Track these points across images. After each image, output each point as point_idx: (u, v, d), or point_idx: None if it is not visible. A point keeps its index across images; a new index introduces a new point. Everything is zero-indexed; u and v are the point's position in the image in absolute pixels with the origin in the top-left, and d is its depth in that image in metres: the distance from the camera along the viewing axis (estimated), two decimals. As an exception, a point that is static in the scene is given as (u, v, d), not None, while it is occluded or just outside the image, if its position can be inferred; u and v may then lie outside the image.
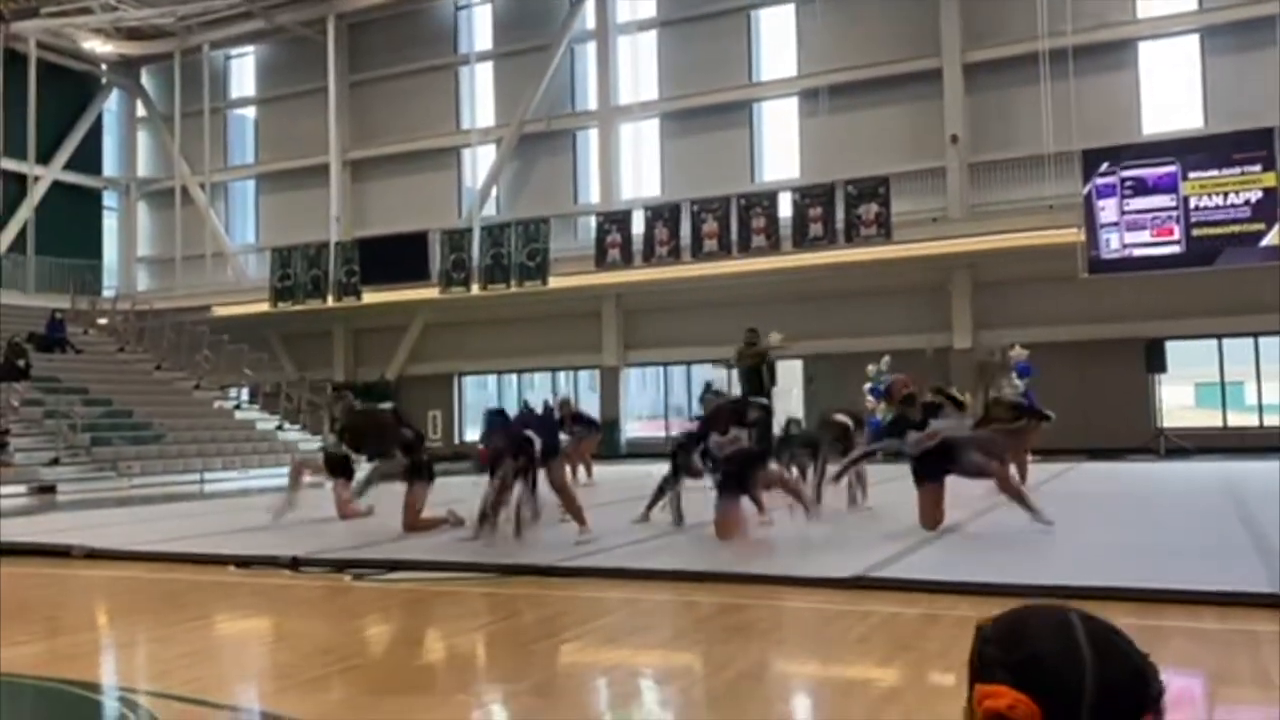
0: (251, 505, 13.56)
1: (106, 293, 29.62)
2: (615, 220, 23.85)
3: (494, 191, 27.04)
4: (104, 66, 30.88)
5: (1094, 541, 7.43)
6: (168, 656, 5.04)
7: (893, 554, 6.94)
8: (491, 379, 28.04)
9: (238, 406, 24.60)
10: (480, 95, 27.42)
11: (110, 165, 32.31)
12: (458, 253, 25.05)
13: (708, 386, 9.99)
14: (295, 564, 7.62)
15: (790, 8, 24.42)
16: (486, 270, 24.67)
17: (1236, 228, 18.63)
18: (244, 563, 7.83)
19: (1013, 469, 11.09)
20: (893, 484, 10.25)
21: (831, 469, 9.37)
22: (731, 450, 8.18)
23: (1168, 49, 21.36)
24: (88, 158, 30.80)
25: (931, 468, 8.17)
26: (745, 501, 8.14)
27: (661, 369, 25.98)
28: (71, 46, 28.84)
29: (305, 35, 28.42)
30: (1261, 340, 20.20)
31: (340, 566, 7.49)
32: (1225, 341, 20.54)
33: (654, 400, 26.63)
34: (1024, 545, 7.23)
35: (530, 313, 25.67)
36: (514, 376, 27.47)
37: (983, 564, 6.37)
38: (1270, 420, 20.26)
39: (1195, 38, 21.06)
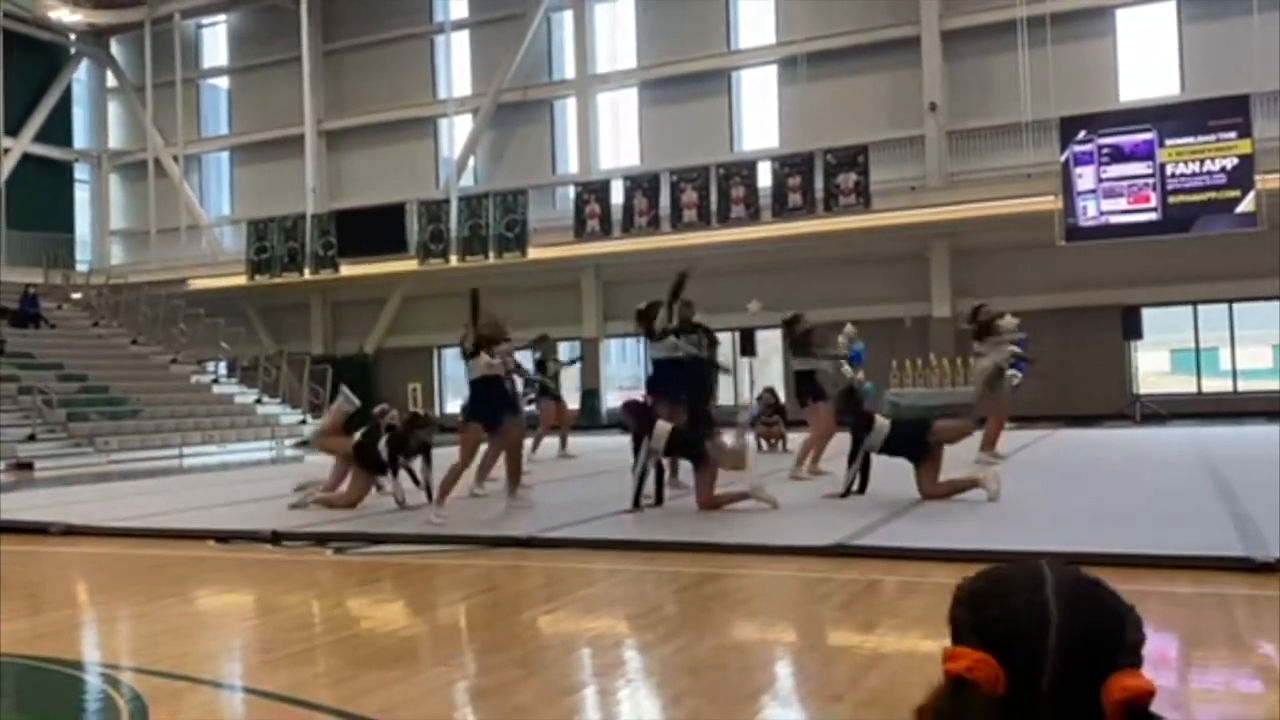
0: (230, 480, 13.52)
1: (80, 267, 29.28)
2: (594, 190, 23.75)
3: (471, 162, 26.83)
4: (72, 36, 30.35)
5: (1071, 507, 7.51)
6: (149, 632, 5.03)
7: (873, 522, 6.99)
8: (471, 351, 27.95)
9: (215, 381, 24.45)
10: (456, 64, 27.14)
11: (81, 137, 31.83)
12: (435, 224, 24.89)
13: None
14: (276, 538, 7.61)
15: (768, -25, 24.24)
16: (464, 242, 24.53)
17: (1212, 194, 18.73)
18: (224, 538, 7.80)
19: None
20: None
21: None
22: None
23: (1145, 16, 21.36)
24: (58, 130, 30.32)
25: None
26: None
27: (641, 340, 25.92)
28: (38, 16, 28.31)
29: (278, 4, 28.00)
30: (1236, 306, 20.39)
31: (321, 540, 7.48)
32: (1200, 308, 20.71)
33: (634, 371, 26.64)
34: (1002, 512, 7.30)
35: (509, 284, 25.51)
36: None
37: (961, 531, 6.43)
38: (1244, 386, 20.49)
39: (1172, 5, 21.05)
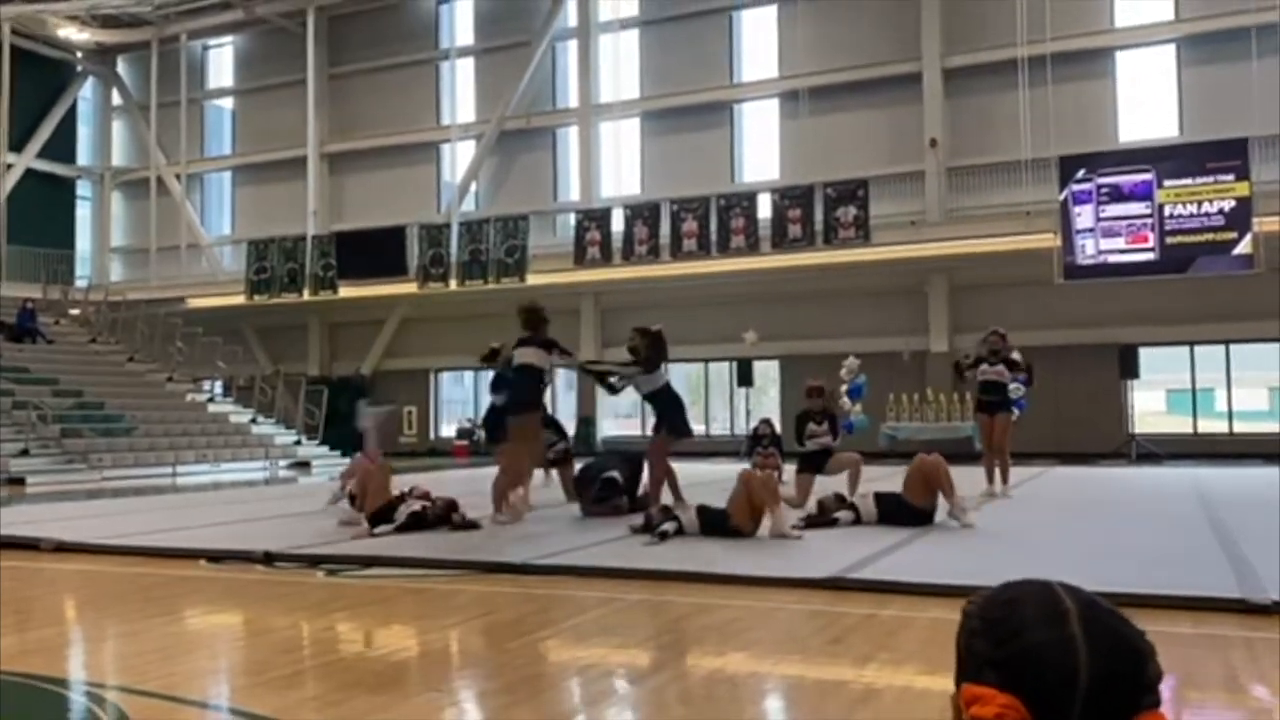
0: (223, 499, 13.46)
1: (79, 283, 29.29)
2: (594, 218, 23.83)
3: (473, 187, 26.95)
4: (79, 54, 30.54)
5: (1068, 545, 7.48)
6: (137, 651, 4.98)
7: (871, 554, 6.96)
8: (469, 375, 27.94)
9: (211, 399, 24.40)
10: (461, 90, 27.32)
11: (85, 154, 31.96)
12: (436, 248, 24.95)
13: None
14: (268, 559, 7.56)
15: (772, 9, 24.48)
16: (464, 266, 24.57)
17: (1210, 236, 18.82)
18: (215, 557, 7.75)
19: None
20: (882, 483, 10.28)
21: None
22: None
23: (1145, 58, 21.58)
24: (62, 146, 30.45)
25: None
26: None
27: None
28: (46, 33, 28.49)
29: (285, 27, 28.21)
30: (1233, 348, 20.44)
31: (314, 562, 7.44)
32: (1197, 349, 20.76)
33: (631, 399, 26.60)
34: (999, 548, 7.27)
35: (508, 309, 25.45)
36: (491, 373, 27.34)
37: (957, 567, 6.40)
38: (1240, 427, 20.50)
39: (1172, 48, 21.27)
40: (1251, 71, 19.66)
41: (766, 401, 24.25)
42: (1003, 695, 0.96)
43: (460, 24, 27.78)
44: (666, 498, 9.30)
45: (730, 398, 24.64)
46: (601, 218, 23.74)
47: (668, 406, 9.66)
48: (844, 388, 18.07)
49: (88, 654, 5.26)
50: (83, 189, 31.93)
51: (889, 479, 10.36)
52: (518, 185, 26.59)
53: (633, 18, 25.61)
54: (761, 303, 22.10)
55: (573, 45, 26.31)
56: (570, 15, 26.24)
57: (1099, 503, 10.92)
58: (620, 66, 25.66)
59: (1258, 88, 19.52)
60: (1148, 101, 21.33)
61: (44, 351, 23.10)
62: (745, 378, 22.83)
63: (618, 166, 25.81)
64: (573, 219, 24.39)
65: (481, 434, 14.33)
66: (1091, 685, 0.95)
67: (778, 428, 15.40)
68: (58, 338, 24.44)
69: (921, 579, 6.00)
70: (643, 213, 23.27)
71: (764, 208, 22.10)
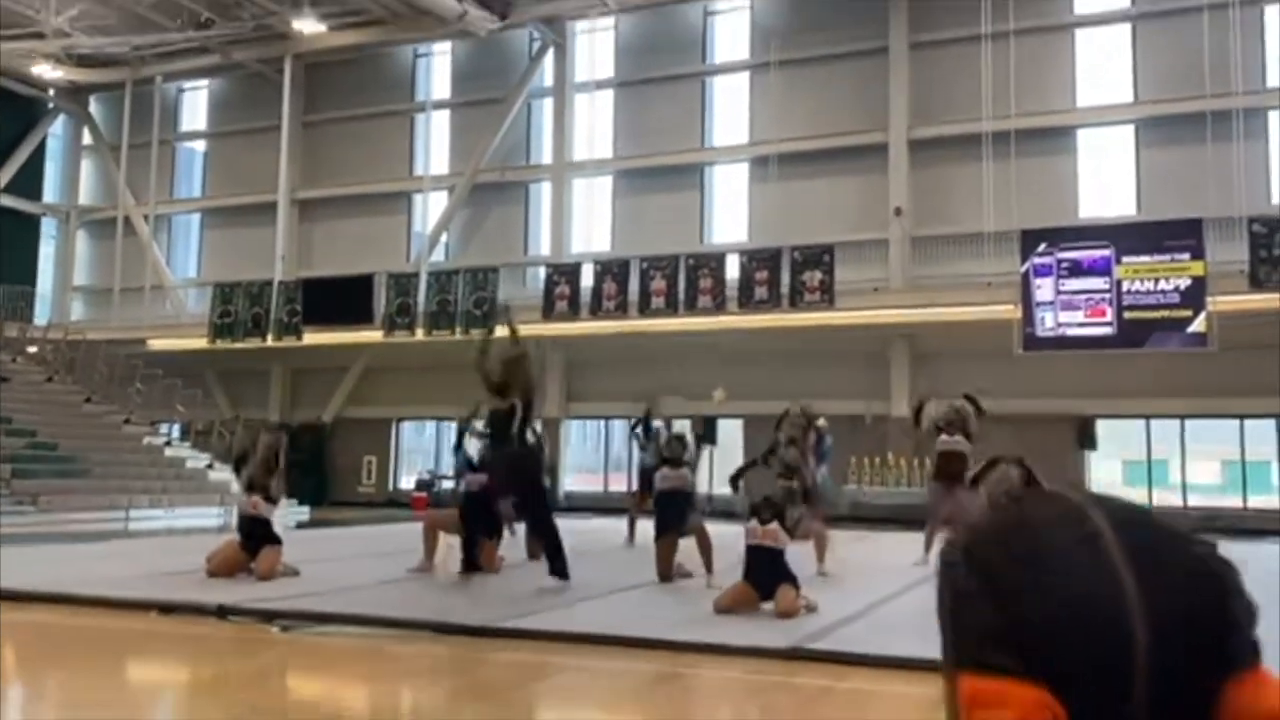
0: (177, 547, 13.21)
1: (39, 321, 28.88)
2: (564, 273, 23.94)
3: (444, 238, 27.02)
4: (51, 91, 30.44)
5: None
6: (79, 709, 4.87)
7: (832, 622, 6.95)
8: (430, 425, 27.75)
9: (168, 443, 24.02)
10: (435, 142, 27.48)
11: (51, 192, 31.69)
12: (403, 297, 24.91)
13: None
14: (222, 612, 7.43)
15: (744, 76, 24.96)
16: (432, 316, 24.53)
17: (1165, 313, 19.22)
18: (167, 609, 7.60)
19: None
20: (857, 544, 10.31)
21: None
22: None
23: (1105, 137, 22.18)
24: (28, 183, 30.19)
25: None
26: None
27: (603, 422, 25.94)
28: (18, 70, 28.39)
29: (261, 72, 28.32)
30: (1188, 422, 20.80)
31: (269, 617, 7.32)
32: (1153, 422, 21.10)
33: (595, 453, 26.57)
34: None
35: (473, 359, 25.53)
36: (454, 423, 27.19)
37: (918, 637, 6.40)
38: (1193, 499, 20.79)
39: (1131, 128, 21.90)
40: (1206, 154, 20.27)
41: (733, 460, 24.25)
42: (1023, 687, 0.61)
43: (437, 78, 28.04)
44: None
45: (697, 452, 24.58)
46: (571, 273, 23.85)
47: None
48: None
49: (25, 713, 5.13)
50: (47, 226, 31.62)
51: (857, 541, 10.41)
52: (489, 237, 26.70)
53: (608, 79, 25.99)
54: (728, 362, 22.20)
55: (548, 103, 26.62)
56: (547, 74, 26.58)
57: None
58: (595, 126, 25.96)
59: (1211, 170, 20.11)
60: (1108, 179, 21.89)
61: (-2, 389, 22.69)
62: (709, 435, 22.85)
63: (589, 223, 26.01)
64: (542, 272, 24.49)
65: (446, 484, 14.08)
66: (1155, 643, 0.61)
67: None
68: (13, 375, 24.01)
69: (884, 651, 5.98)
70: (612, 269, 23.42)
71: (732, 269, 22.32)
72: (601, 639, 6.55)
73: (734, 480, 10.24)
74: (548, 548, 8.83)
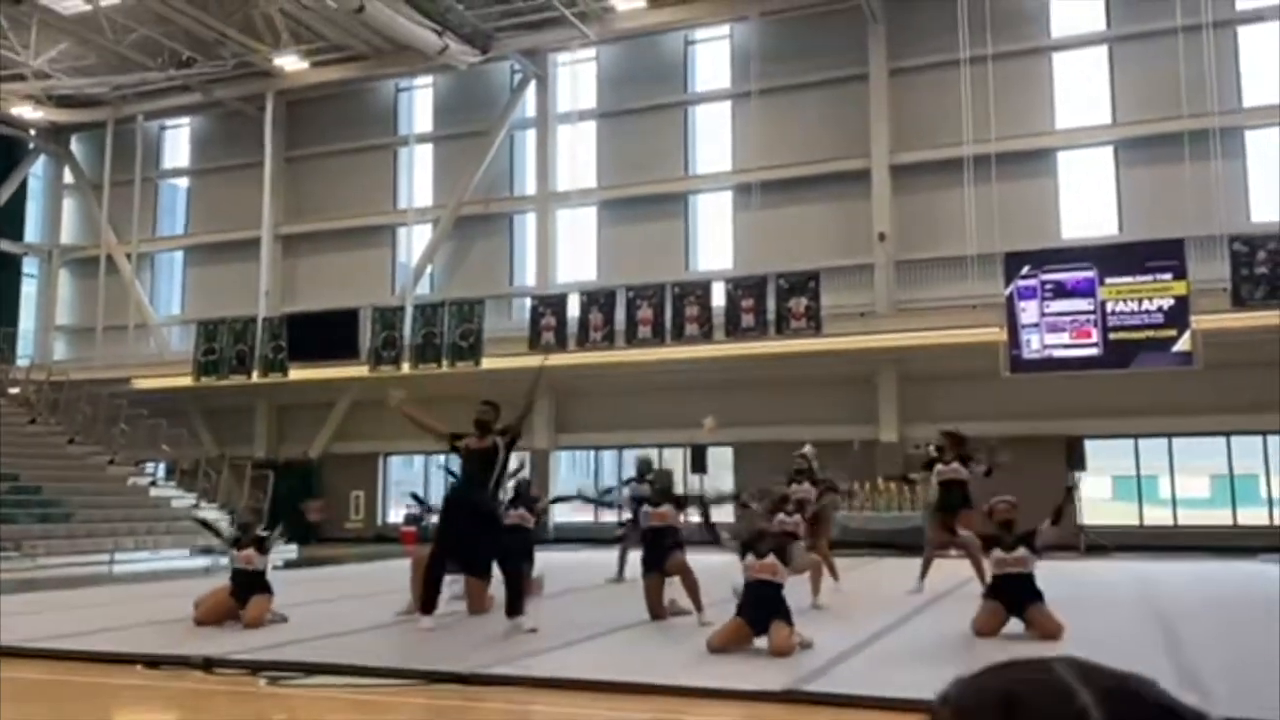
0: (162, 593, 13.02)
1: (21, 361, 28.67)
2: (550, 304, 23.91)
3: (428, 270, 26.97)
4: (32, 131, 30.37)
5: (1025, 650, 7.46)
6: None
7: (828, 661, 6.88)
8: (419, 459, 27.60)
9: (154, 483, 23.81)
10: (419, 175, 27.50)
11: (33, 231, 31.57)
12: (389, 331, 24.83)
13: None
14: (208, 665, 7.30)
15: (726, 105, 25.10)
16: (418, 349, 24.45)
17: (1150, 333, 19.31)
18: (153, 662, 7.47)
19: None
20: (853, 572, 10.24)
21: None
22: None
23: (1085, 159, 22.34)
24: (9, 222, 30.08)
25: None
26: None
27: (592, 453, 25.86)
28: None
29: (242, 110, 28.32)
30: (1175, 440, 20.85)
31: (255, 669, 7.20)
32: (1141, 441, 21.14)
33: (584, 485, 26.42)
34: (953, 656, 7.23)
35: (460, 392, 25.37)
36: (441, 457, 27.05)
37: (912, 676, 6.34)
38: (1183, 515, 20.82)
39: (1110, 149, 22.07)
40: (1185, 174, 20.43)
41: (721, 488, 24.18)
42: None
43: (419, 111, 28.09)
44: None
45: (684, 483, 24.52)
46: (557, 303, 23.83)
47: None
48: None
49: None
50: (29, 266, 31.46)
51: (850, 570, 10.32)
52: (474, 269, 26.67)
53: (590, 110, 26.08)
54: (716, 390, 22.20)
55: (531, 134, 26.69)
56: (529, 106, 26.67)
57: (1053, 603, 10.93)
58: (578, 156, 26.03)
59: (1191, 190, 20.26)
60: (1089, 200, 22.03)
61: (-20, 432, 22.46)
62: (699, 463, 22.80)
63: (574, 253, 26.02)
64: (528, 304, 24.46)
65: (429, 519, 13.76)
66: None
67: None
68: (-5, 418, 23.80)
69: (881, 692, 5.92)
70: (598, 299, 23.41)
71: (718, 296, 22.34)
72: (592, 684, 6.46)
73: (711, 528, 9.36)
74: (513, 590, 8.67)
